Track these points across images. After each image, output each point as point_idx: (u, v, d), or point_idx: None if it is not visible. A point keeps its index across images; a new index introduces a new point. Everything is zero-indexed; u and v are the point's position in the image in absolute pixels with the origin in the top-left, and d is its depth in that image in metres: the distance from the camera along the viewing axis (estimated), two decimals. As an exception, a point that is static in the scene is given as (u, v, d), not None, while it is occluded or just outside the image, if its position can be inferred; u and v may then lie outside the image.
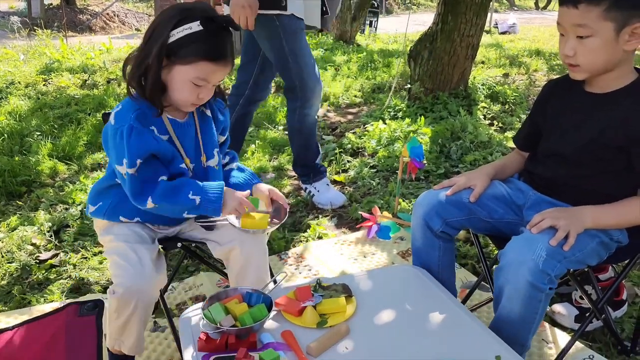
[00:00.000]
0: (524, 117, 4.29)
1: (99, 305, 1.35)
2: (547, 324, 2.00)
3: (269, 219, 1.69)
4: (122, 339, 1.57)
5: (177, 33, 1.49)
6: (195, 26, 1.49)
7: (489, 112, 4.37)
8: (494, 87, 4.80)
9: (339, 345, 1.42)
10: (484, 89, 4.69)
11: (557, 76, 1.65)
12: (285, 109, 4.89)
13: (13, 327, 1.35)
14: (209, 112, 1.73)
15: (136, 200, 1.56)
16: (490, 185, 1.75)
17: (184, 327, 1.51)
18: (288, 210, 1.73)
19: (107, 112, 1.87)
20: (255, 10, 2.54)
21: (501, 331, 1.47)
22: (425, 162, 3.31)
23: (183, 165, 1.64)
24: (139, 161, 1.53)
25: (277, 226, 1.72)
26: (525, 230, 1.51)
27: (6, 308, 2.12)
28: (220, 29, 1.52)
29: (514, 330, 1.51)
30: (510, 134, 3.94)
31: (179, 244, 1.78)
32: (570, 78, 1.62)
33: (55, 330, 1.31)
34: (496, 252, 2.08)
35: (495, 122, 4.19)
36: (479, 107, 4.35)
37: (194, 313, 1.56)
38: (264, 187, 1.76)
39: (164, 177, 1.58)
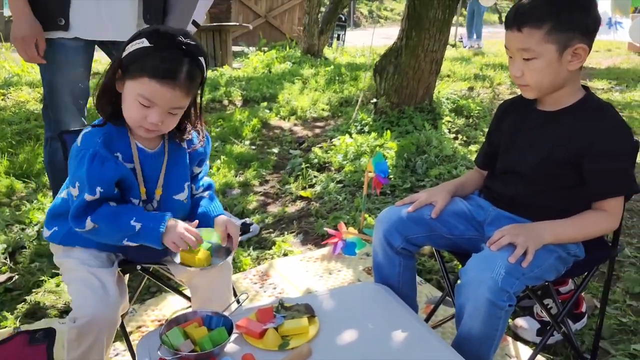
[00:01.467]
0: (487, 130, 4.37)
1: (50, 334, 1.29)
2: (509, 339, 2.02)
3: (212, 256, 1.61)
4: None
5: (130, 47, 1.46)
6: (145, 41, 1.44)
7: (453, 126, 4.44)
8: (458, 101, 4.88)
9: (301, 367, 1.40)
10: (448, 103, 4.77)
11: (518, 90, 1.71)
12: (252, 122, 4.90)
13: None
14: (185, 144, 1.65)
15: (74, 221, 1.50)
16: (451, 201, 1.77)
17: (142, 353, 1.46)
18: (234, 251, 1.67)
19: (65, 130, 1.81)
20: (31, 41, 2.12)
21: (463, 349, 1.47)
22: (390, 177, 3.34)
23: (136, 200, 1.59)
24: (98, 189, 1.48)
25: (217, 265, 1.63)
26: (485, 248, 1.52)
27: (-45, 335, 2.02)
28: (171, 47, 1.44)
29: (475, 347, 1.51)
30: (474, 147, 4.00)
31: (138, 267, 1.73)
32: (522, 97, 1.67)
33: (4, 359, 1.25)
34: (460, 266, 2.09)
35: (460, 136, 4.26)
36: (443, 121, 4.42)
37: (152, 338, 1.51)
38: (222, 220, 1.67)
39: (111, 203, 1.53)
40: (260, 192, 3.53)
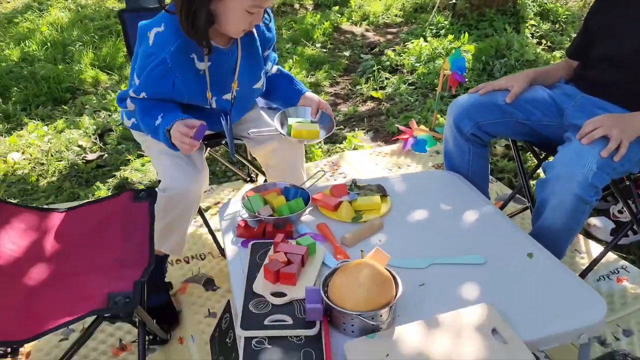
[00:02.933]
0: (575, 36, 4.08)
1: (152, 195, 1.40)
2: (581, 236, 2.00)
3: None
4: (165, 239, 1.59)
5: None
6: None
7: (537, 30, 4.16)
8: (545, 4, 4.53)
9: (373, 237, 1.47)
10: (533, 6, 4.44)
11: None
12: (323, 25, 4.81)
13: (76, 207, 1.42)
14: (254, 31, 1.64)
15: (119, 101, 1.67)
16: (530, 88, 1.70)
17: (224, 214, 1.58)
18: (334, 120, 1.72)
19: (124, 9, 1.82)
20: None
21: (540, 240, 1.46)
22: (466, 79, 3.22)
23: (203, 101, 1.60)
24: (143, 94, 1.52)
25: (326, 136, 1.70)
26: (573, 140, 1.45)
27: (58, 201, 2.25)
28: None
29: (554, 239, 1.50)
30: (559, 53, 3.76)
31: (223, 141, 1.81)
32: None
33: (110, 212, 1.39)
34: (534, 166, 2.05)
35: (544, 41, 4.00)
36: (527, 25, 4.14)
37: (235, 203, 1.62)
38: (313, 96, 1.74)
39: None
40: (331, 92, 3.53)
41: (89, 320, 1.10)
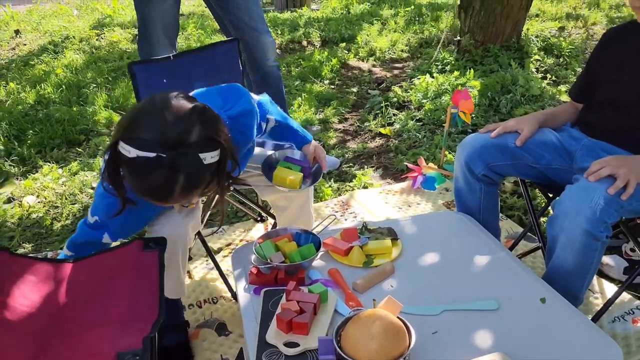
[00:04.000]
0: (579, 70, 4.12)
1: (160, 243, 1.42)
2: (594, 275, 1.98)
3: (303, 178, 1.69)
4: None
5: (121, 147, 1.22)
6: (132, 151, 1.20)
7: (542, 65, 4.21)
8: (549, 39, 4.60)
9: (384, 283, 1.47)
10: (537, 42, 4.50)
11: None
12: (331, 62, 4.90)
13: (85, 257, 1.45)
14: None
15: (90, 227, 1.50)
16: (539, 131, 1.72)
17: (236, 261, 1.59)
18: (324, 172, 1.73)
19: (134, 61, 1.87)
20: None
21: (554, 283, 1.47)
22: (473, 114, 3.25)
23: None
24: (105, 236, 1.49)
25: (309, 186, 1.72)
26: (580, 179, 1.48)
27: (71, 245, 2.28)
28: (158, 168, 1.20)
29: (567, 281, 1.50)
30: (564, 87, 3.79)
31: (232, 188, 1.84)
32: (632, 24, 1.56)
33: (120, 262, 1.41)
34: (544, 203, 2.06)
35: (549, 76, 4.04)
36: (531, 60, 4.20)
37: (246, 249, 1.64)
38: (310, 147, 1.75)
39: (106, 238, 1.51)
40: (340, 129, 3.58)
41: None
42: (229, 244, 2.27)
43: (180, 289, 1.69)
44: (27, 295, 1.29)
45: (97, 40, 5.64)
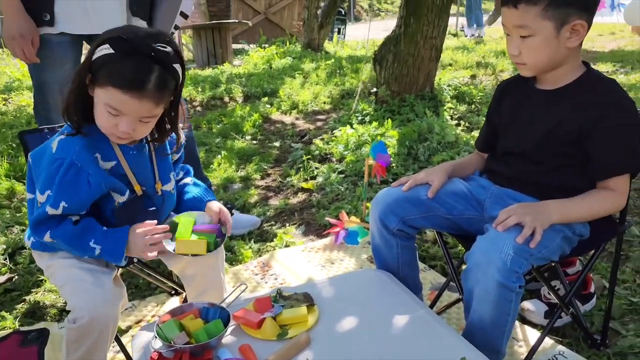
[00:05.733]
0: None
1: (43, 334, 1.26)
2: (516, 322, 1.97)
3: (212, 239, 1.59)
4: None
5: (98, 52, 1.37)
6: (109, 48, 1.35)
7: (455, 112, 4.37)
8: (460, 87, 4.82)
9: (300, 356, 1.36)
10: (450, 90, 4.70)
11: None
12: (253, 117, 4.87)
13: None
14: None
15: (34, 230, 1.46)
16: (449, 181, 1.72)
17: (137, 347, 1.44)
18: (227, 235, 1.63)
19: (25, 130, 1.75)
20: (28, 39, 2.08)
21: (474, 337, 1.43)
22: (393, 165, 3.29)
23: (122, 198, 1.53)
24: (62, 204, 1.43)
25: (213, 251, 1.60)
26: (490, 229, 1.47)
27: (-45, 337, 2.00)
28: (137, 54, 1.34)
29: (486, 335, 1.46)
30: (477, 132, 3.94)
31: (135, 259, 1.70)
32: (522, 76, 1.62)
33: (-5, 359, 1.23)
34: (464, 251, 2.05)
35: (462, 122, 4.19)
36: (445, 108, 4.36)
37: (148, 331, 1.48)
38: (215, 205, 1.66)
39: (74, 217, 1.47)
40: (262, 185, 3.50)
41: None
42: (139, 321, 2.08)
43: None
44: None
45: (4, 104, 5.33)
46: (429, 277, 2.27)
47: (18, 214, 3.01)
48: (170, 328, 1.39)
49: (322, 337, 1.43)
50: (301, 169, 3.59)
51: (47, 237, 1.45)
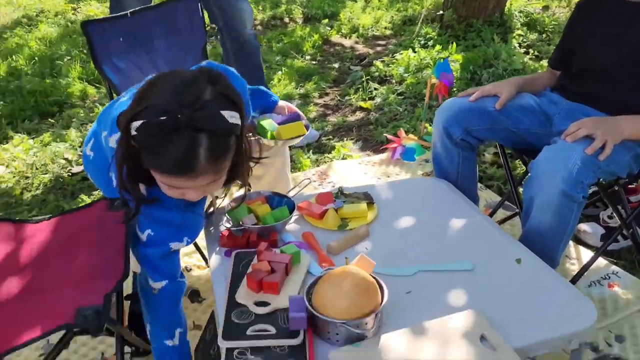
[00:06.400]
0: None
1: (126, 204, 1.37)
2: (571, 242, 1.98)
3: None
4: None
5: (132, 129, 1.07)
6: (136, 132, 1.06)
7: (524, 40, 4.18)
8: (532, 14, 4.57)
9: (359, 246, 1.44)
10: (520, 17, 4.47)
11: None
12: (313, 38, 4.83)
13: (49, 218, 1.40)
14: None
15: (154, 270, 1.30)
16: (518, 95, 1.70)
17: (208, 225, 1.55)
18: (304, 119, 1.68)
19: (87, 20, 1.75)
20: None
21: (530, 244, 1.45)
22: (454, 89, 3.22)
23: None
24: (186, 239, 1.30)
25: (301, 137, 1.65)
26: (558, 140, 1.46)
27: (41, 213, 2.21)
28: (173, 132, 1.04)
29: (543, 243, 1.48)
30: (546, 62, 3.78)
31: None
32: None
33: (84, 222, 1.36)
34: (524, 170, 2.04)
35: (531, 51, 4.02)
36: (514, 35, 4.17)
37: (218, 213, 1.59)
38: (281, 103, 1.72)
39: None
40: (320, 103, 3.53)
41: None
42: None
43: None
44: (-14, 254, 1.24)
45: (73, 14, 5.48)
46: (485, 196, 2.28)
47: (91, 114, 3.18)
48: (240, 210, 1.49)
49: (380, 232, 1.49)
50: (360, 89, 3.57)
51: (157, 284, 1.30)
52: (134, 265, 1.54)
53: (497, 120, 1.67)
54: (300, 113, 1.71)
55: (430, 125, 2.88)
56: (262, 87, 1.74)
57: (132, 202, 1.21)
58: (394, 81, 3.66)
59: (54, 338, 1.15)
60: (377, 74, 3.77)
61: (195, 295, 1.80)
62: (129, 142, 1.09)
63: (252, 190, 1.87)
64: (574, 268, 1.85)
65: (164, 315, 1.31)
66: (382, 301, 1.12)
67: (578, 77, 1.67)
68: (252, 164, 1.31)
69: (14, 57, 4.03)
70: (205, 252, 1.87)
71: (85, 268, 1.21)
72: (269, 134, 1.60)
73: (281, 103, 1.72)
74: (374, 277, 1.17)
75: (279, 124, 1.64)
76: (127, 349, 1.48)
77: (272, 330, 1.12)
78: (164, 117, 1.03)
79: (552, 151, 1.43)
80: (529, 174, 1.48)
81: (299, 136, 1.62)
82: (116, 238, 1.27)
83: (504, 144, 1.79)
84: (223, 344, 1.09)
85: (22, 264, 1.24)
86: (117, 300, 1.25)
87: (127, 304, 1.56)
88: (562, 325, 1.15)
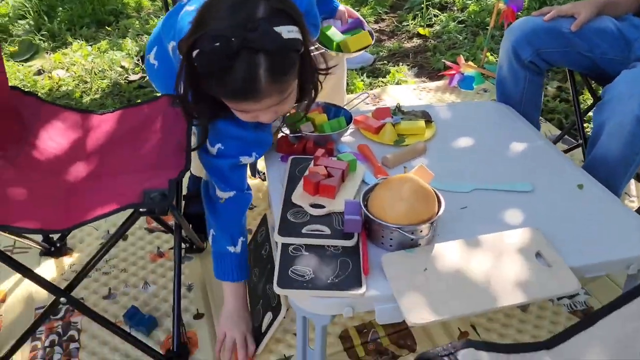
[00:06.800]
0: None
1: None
2: (632, 180, 1.90)
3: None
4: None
5: (193, 54, 1.05)
6: (195, 58, 1.04)
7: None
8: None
9: (415, 161, 1.42)
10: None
11: None
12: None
13: (114, 110, 1.43)
14: None
15: (220, 179, 1.30)
16: (597, 18, 1.58)
17: (265, 131, 1.55)
18: (367, 28, 1.65)
19: None
20: None
21: (594, 171, 1.39)
22: (523, 0, 3.04)
23: None
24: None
25: (368, 48, 1.64)
26: (638, 65, 1.37)
27: (100, 117, 2.28)
28: (230, 57, 1.01)
29: (609, 170, 1.42)
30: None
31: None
32: None
33: (147, 115, 1.39)
34: (589, 105, 1.94)
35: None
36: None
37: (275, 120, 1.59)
38: (340, 8, 1.68)
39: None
40: (376, 28, 3.41)
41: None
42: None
43: None
44: (55, 139, 1.29)
45: None
46: (545, 128, 2.21)
47: (146, 25, 3.18)
48: (297, 117, 1.48)
49: (438, 150, 1.47)
50: (418, 16, 3.43)
51: (225, 194, 1.30)
52: (198, 170, 1.57)
53: (572, 42, 1.57)
54: (362, 19, 1.65)
55: (492, 55, 2.76)
56: None
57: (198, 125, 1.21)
58: (455, 8, 3.49)
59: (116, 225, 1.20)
60: (437, 0, 3.60)
61: (246, 202, 1.84)
62: (193, 70, 1.07)
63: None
64: (634, 205, 1.79)
65: (228, 223, 1.32)
66: (438, 211, 1.12)
67: None
68: (321, 77, 1.28)
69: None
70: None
71: (149, 158, 1.25)
72: (334, 45, 1.56)
73: (342, 7, 1.67)
74: (432, 189, 1.16)
75: (343, 32, 1.59)
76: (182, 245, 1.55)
77: (327, 231, 1.14)
78: (218, 44, 1.00)
79: (630, 74, 1.35)
80: (602, 99, 1.40)
81: (366, 47, 1.58)
82: (178, 132, 1.29)
83: (574, 69, 1.70)
84: (279, 239, 1.12)
85: (89, 151, 1.29)
86: (176, 191, 1.29)
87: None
88: (621, 248, 1.12)
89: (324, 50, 1.55)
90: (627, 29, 1.58)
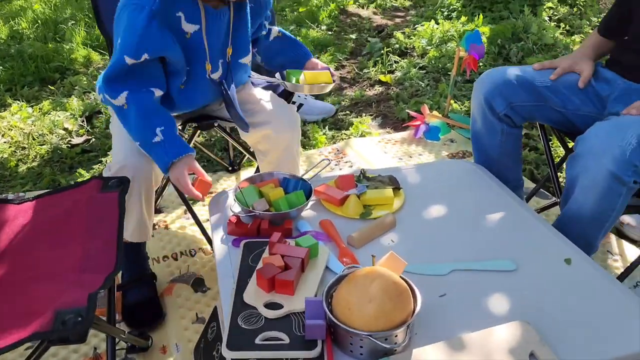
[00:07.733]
0: (595, 20, 3.85)
1: (123, 183, 1.21)
2: (612, 235, 1.80)
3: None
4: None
5: None
6: None
7: (555, 13, 3.92)
8: (563, -14, 4.30)
9: (384, 237, 1.27)
10: (551, -11, 4.20)
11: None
12: (329, 7, 4.58)
13: (34, 198, 1.24)
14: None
15: (109, 85, 1.31)
16: (569, 74, 1.51)
17: (214, 208, 1.39)
18: (335, 75, 1.56)
19: None
20: None
21: (568, 228, 1.30)
22: (480, 63, 3.01)
23: (199, 67, 1.41)
24: (145, 56, 1.28)
25: (328, 87, 1.55)
26: (611, 118, 1.28)
27: (36, 188, 2.06)
28: None
29: (582, 227, 1.33)
30: (578, 37, 3.53)
31: (216, 123, 1.64)
32: None
33: (74, 203, 1.20)
34: (561, 156, 1.85)
35: (562, 25, 3.77)
36: (544, 7, 3.91)
37: (226, 195, 1.43)
38: (314, 60, 1.60)
39: (157, 92, 1.35)
40: (337, 76, 3.33)
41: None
42: (211, 193, 2.06)
43: (143, 232, 1.47)
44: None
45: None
46: (516, 181, 2.10)
47: (94, 81, 3.00)
48: (250, 193, 1.32)
49: (408, 222, 1.32)
50: (379, 62, 3.36)
51: (121, 98, 1.31)
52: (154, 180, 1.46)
53: (544, 97, 1.48)
54: (331, 69, 1.55)
55: (456, 102, 2.68)
56: (295, 38, 1.64)
57: None
58: (415, 54, 3.45)
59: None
60: (397, 46, 3.55)
61: (198, 284, 1.64)
62: None
63: (259, 169, 1.71)
64: (617, 265, 1.68)
65: (138, 122, 1.31)
66: (414, 310, 0.96)
67: (635, 49, 1.47)
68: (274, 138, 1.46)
69: (16, 19, 3.85)
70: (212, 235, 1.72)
71: (74, 256, 1.05)
72: (294, 79, 1.45)
73: (314, 59, 1.58)
74: (405, 280, 1.00)
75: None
76: (122, 344, 1.34)
77: (285, 339, 0.96)
78: None
79: (604, 127, 1.25)
80: (574, 151, 1.30)
81: (324, 84, 1.46)
82: (109, 222, 1.11)
83: (546, 123, 1.61)
84: (228, 354, 0.94)
85: (1, 251, 1.09)
86: (108, 294, 1.10)
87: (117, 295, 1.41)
88: (624, 343, 0.98)
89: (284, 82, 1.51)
90: (599, 84, 1.50)
